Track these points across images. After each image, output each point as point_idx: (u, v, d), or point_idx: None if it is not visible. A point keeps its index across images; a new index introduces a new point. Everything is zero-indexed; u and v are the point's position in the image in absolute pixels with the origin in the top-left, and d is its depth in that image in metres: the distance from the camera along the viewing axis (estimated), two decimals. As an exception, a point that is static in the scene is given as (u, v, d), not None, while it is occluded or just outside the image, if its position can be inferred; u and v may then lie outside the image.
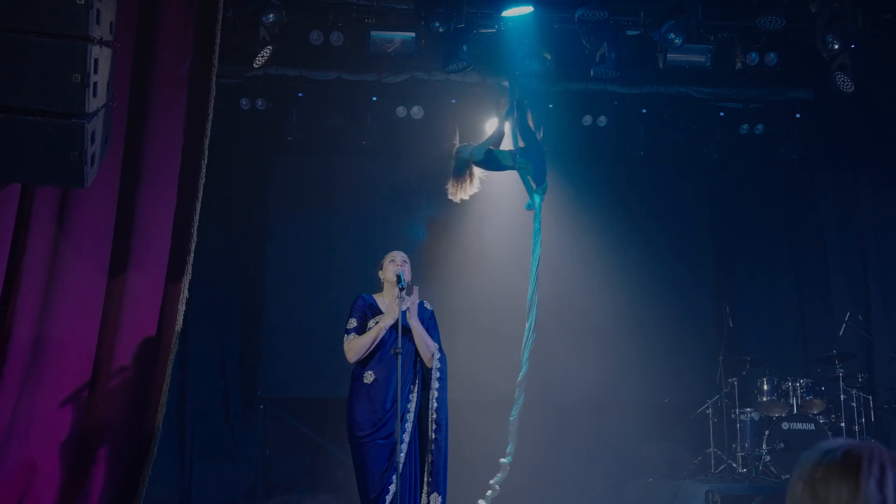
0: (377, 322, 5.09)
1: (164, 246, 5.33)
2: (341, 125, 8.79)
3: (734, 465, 8.22)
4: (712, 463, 8.42)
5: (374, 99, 8.75)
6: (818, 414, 8.21)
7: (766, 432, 8.02)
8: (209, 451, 8.72)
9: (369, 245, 8.61)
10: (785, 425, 8.03)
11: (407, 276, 5.13)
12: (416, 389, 5.07)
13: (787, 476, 7.78)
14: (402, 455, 4.87)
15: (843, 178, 9.52)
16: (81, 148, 4.47)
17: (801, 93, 8.92)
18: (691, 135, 9.12)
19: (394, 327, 5.03)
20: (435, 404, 5.06)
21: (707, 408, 8.67)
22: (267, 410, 8.99)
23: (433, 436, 5.01)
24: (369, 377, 5.04)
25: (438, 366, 5.12)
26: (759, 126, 9.05)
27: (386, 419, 4.95)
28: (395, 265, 5.14)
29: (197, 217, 5.36)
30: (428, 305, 5.29)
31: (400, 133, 9.03)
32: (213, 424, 8.82)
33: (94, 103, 4.56)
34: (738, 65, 7.64)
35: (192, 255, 5.36)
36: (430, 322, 5.23)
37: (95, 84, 4.52)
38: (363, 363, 5.10)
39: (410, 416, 5.03)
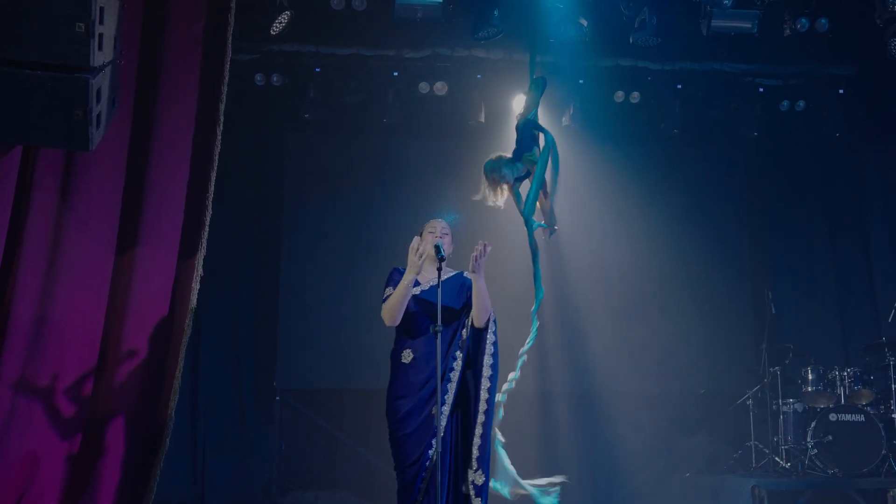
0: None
1: (177, 219, 4.99)
2: (360, 102, 8.41)
3: (777, 459, 7.80)
4: (753, 457, 8.02)
5: (396, 74, 8.33)
6: (867, 405, 7.79)
7: (812, 424, 7.60)
8: (223, 446, 8.39)
9: (390, 227, 8.27)
10: (832, 416, 7.60)
11: (448, 249, 4.74)
12: (458, 368, 4.66)
13: (835, 470, 7.39)
14: (440, 437, 4.48)
15: (887, 156, 9.10)
16: (86, 106, 4.12)
17: (845, 69, 8.52)
18: (729, 112, 8.71)
19: (425, 305, 4.66)
20: (489, 371, 4.68)
21: (747, 399, 8.25)
22: (283, 402, 8.63)
23: (485, 406, 4.63)
24: (407, 356, 4.67)
25: (493, 328, 4.75)
26: (801, 103, 8.66)
27: (422, 400, 4.58)
28: (433, 236, 4.76)
29: (212, 188, 4.99)
30: (467, 275, 4.87)
31: (422, 110, 8.63)
32: (227, 417, 8.47)
33: (100, 57, 4.19)
34: (787, 31, 7.24)
35: (207, 228, 4.97)
36: (468, 293, 4.82)
37: (101, 36, 4.16)
38: (399, 340, 4.73)
39: (450, 397, 4.62)
